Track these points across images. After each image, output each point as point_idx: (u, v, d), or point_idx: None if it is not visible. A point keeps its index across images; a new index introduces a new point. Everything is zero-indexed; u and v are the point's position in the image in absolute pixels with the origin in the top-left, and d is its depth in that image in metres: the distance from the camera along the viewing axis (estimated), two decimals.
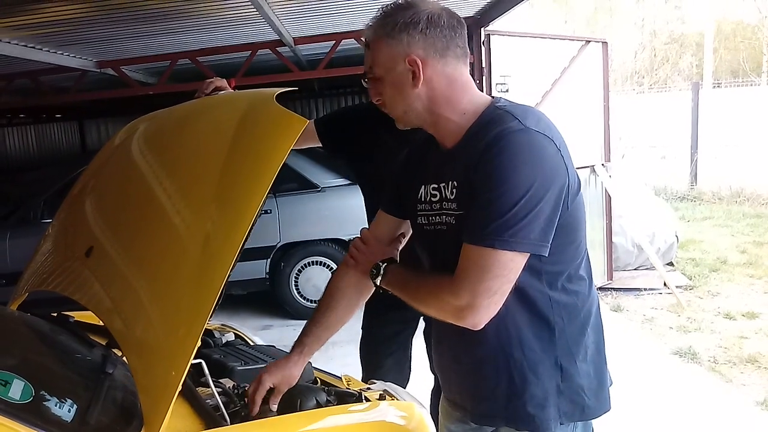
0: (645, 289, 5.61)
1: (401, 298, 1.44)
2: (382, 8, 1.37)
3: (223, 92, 2.17)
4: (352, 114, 2.47)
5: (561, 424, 1.39)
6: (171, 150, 2.02)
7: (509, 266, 1.26)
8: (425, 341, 2.36)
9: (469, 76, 1.40)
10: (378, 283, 1.48)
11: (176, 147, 2.00)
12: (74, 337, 1.82)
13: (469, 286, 1.27)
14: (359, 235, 1.59)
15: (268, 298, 5.70)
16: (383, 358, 2.43)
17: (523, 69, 5.25)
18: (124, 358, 1.61)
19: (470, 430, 1.53)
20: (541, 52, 5.39)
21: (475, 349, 1.40)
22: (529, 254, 1.28)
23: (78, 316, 2.11)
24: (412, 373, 2.53)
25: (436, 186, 1.41)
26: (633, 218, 5.91)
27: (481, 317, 1.29)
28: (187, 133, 2.04)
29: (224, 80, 2.18)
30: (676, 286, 5.47)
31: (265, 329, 5.31)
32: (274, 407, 1.58)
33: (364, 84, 1.42)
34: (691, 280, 5.83)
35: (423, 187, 1.45)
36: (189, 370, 1.43)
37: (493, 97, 1.41)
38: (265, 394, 1.55)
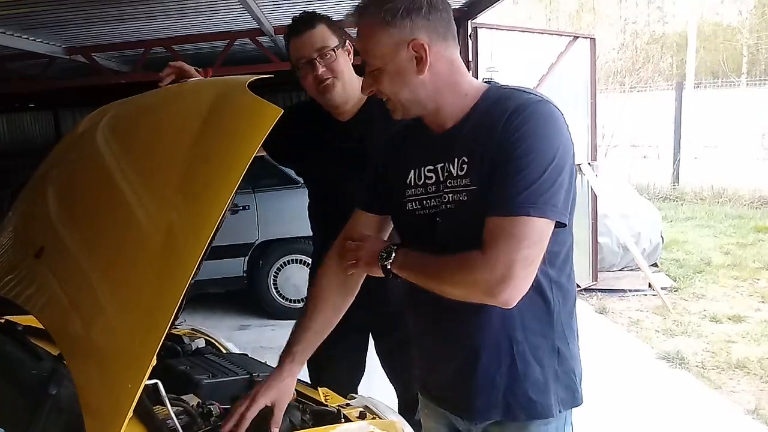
0: (630, 291, 5.55)
1: (415, 281, 1.36)
2: None
3: (192, 79, 1.99)
4: (291, 114, 2.30)
5: (559, 411, 1.38)
6: (136, 140, 1.86)
7: (544, 234, 1.23)
8: (378, 354, 2.24)
9: None
10: (388, 267, 1.38)
11: (142, 137, 1.86)
12: (20, 349, 1.63)
13: (505, 257, 1.20)
14: (344, 240, 1.51)
15: (246, 297, 5.53)
16: (335, 361, 2.18)
17: (510, 63, 5.13)
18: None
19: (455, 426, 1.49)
20: (528, 47, 5.28)
21: (476, 336, 1.36)
22: (554, 223, 1.24)
23: (33, 321, 1.94)
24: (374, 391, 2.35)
25: (431, 168, 1.36)
26: (618, 218, 5.82)
27: (516, 290, 1.22)
28: (153, 123, 1.89)
29: (192, 67, 2.00)
30: (661, 288, 5.39)
31: (242, 329, 5.17)
32: (276, 430, 1.44)
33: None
34: (675, 281, 5.77)
35: (413, 171, 1.40)
36: (146, 387, 1.28)
37: (486, 81, 1.40)
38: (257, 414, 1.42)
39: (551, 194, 1.22)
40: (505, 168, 1.23)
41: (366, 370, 2.32)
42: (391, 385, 2.28)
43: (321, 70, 1.93)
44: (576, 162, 4.90)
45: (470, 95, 1.34)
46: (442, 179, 1.34)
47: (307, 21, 1.97)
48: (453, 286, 1.29)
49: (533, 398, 1.35)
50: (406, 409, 2.10)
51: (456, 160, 1.31)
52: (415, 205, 1.39)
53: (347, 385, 2.10)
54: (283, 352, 1.51)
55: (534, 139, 1.22)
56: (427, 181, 1.37)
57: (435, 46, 1.28)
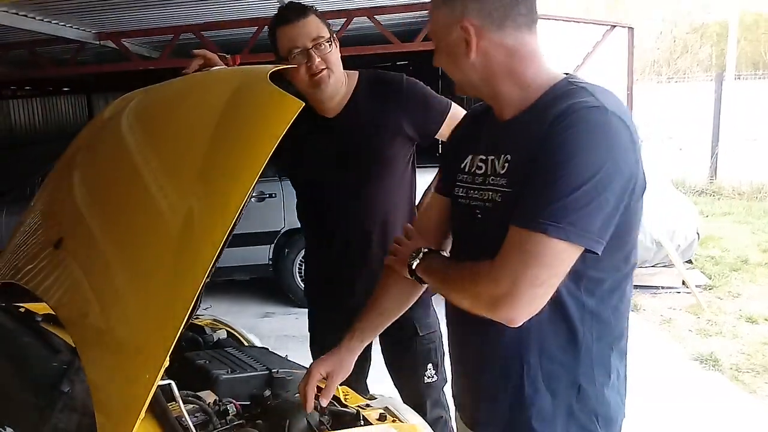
0: (663, 288, 5.38)
1: (435, 288, 1.35)
2: None
3: (216, 68, 1.95)
4: None
5: None
6: (157, 130, 1.84)
7: (561, 257, 1.11)
8: (382, 349, 2.17)
9: (537, 45, 1.26)
10: (414, 267, 1.34)
11: (163, 126, 1.83)
12: (37, 341, 1.61)
13: (511, 272, 1.11)
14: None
15: (271, 284, 5.54)
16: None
17: (545, 53, 5.00)
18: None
19: None
20: (564, 36, 5.14)
21: (488, 347, 1.29)
22: (583, 248, 1.11)
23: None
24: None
25: (483, 158, 1.28)
26: (653, 213, 5.66)
27: (519, 310, 1.13)
28: (174, 112, 1.86)
29: (215, 54, 1.95)
30: (696, 286, 5.23)
31: (267, 317, 5.18)
32: (325, 402, 1.45)
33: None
34: (710, 279, 5.60)
35: (471, 156, 1.33)
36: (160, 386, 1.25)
37: (566, 73, 1.27)
38: (316, 386, 1.44)
39: (582, 215, 1.08)
40: (538, 175, 1.12)
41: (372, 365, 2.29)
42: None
43: (317, 60, 1.87)
44: None
45: (534, 88, 1.22)
46: (488, 173, 1.26)
47: (299, 10, 1.90)
48: (460, 296, 1.24)
49: (535, 427, 1.25)
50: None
51: (502, 156, 1.23)
52: (461, 191, 1.33)
53: (355, 377, 2.09)
54: (348, 329, 1.52)
55: (575, 148, 1.09)
56: (476, 170, 1.29)
57: (488, 31, 1.20)
